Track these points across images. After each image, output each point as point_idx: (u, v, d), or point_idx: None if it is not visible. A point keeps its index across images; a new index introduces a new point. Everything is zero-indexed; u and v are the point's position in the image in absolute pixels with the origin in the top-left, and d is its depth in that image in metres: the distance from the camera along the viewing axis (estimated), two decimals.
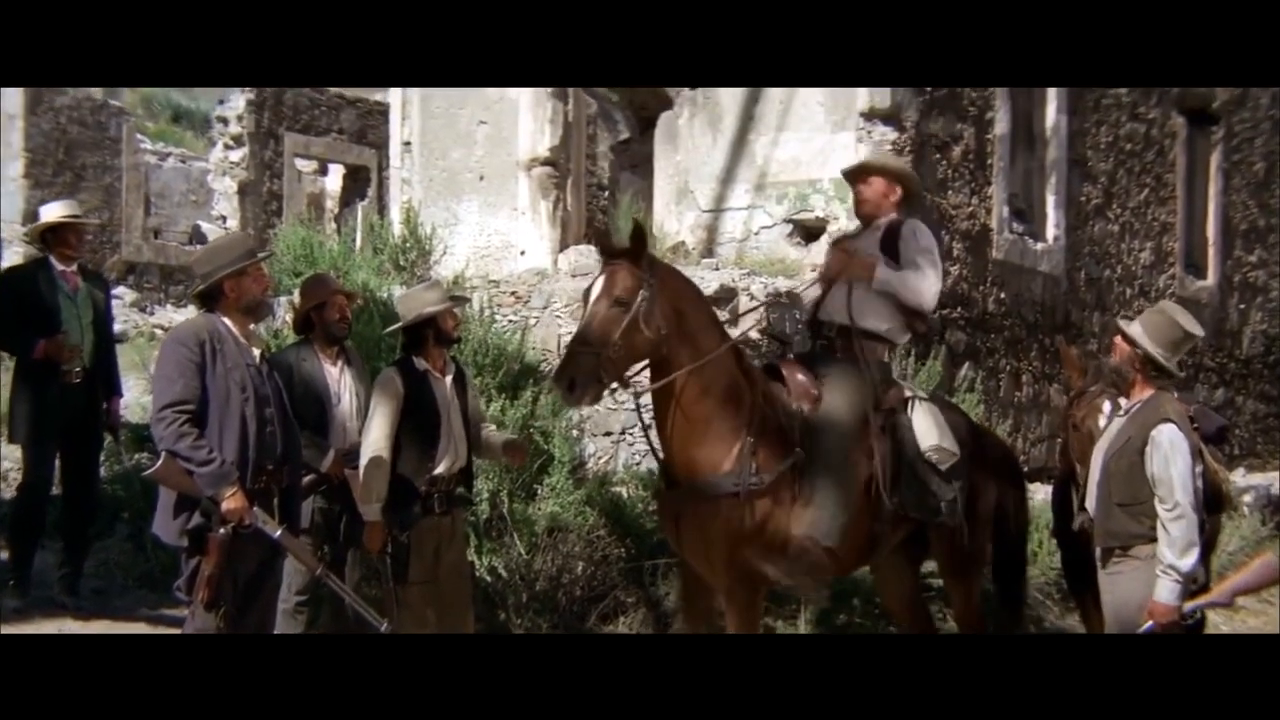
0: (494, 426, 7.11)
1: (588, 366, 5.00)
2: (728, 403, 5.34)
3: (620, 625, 7.57)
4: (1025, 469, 11.54)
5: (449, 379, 5.91)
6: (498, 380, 8.16)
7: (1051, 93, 12.94)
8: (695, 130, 11.75)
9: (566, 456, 8.01)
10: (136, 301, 17.66)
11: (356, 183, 20.52)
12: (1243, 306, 16.20)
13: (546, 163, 12.35)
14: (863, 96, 10.76)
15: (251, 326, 5.25)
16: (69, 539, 7.31)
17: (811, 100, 11.05)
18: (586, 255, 11.20)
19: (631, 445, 9.18)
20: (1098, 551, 5.43)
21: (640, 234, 5.29)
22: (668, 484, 5.56)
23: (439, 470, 5.77)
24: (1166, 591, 5.01)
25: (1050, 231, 13.04)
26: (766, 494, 5.31)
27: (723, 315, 6.73)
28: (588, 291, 5.23)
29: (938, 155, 11.34)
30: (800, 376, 5.71)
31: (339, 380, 6.22)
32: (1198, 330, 5.44)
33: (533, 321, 10.21)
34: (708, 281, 9.38)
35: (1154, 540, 5.09)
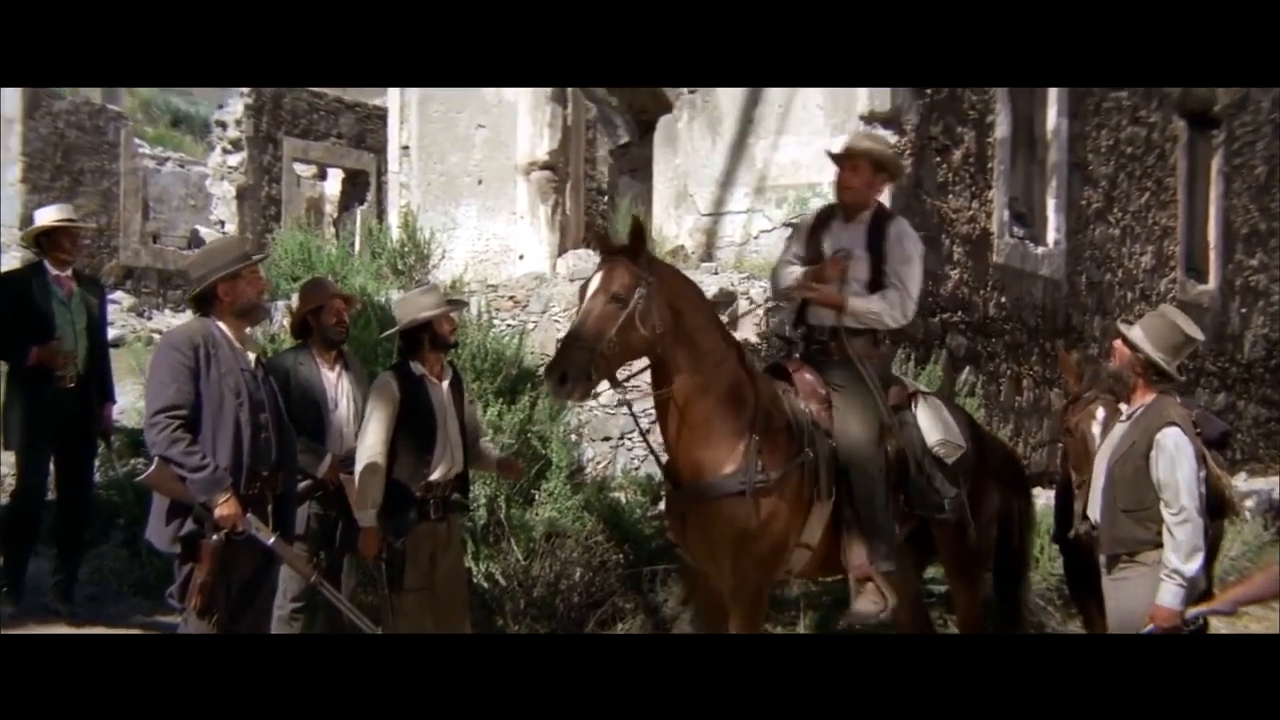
0: (491, 432, 7.09)
1: (580, 362, 4.95)
2: (731, 403, 5.31)
3: (618, 631, 7.52)
4: (1026, 473, 11.56)
5: (445, 384, 5.87)
6: (496, 385, 8.12)
7: (1052, 96, 12.90)
8: (694, 133, 11.71)
9: (564, 462, 7.97)
10: (134, 306, 17.62)
11: (355, 187, 20.49)
12: (1244, 310, 16.16)
13: (545, 167, 12.33)
14: (862, 100, 10.72)
15: (247, 330, 5.20)
16: (63, 545, 7.27)
17: (811, 103, 11.01)
18: (585, 259, 11.16)
19: (630, 450, 9.14)
20: (1102, 558, 5.39)
21: (639, 231, 5.26)
22: (674, 485, 5.51)
23: (435, 476, 5.73)
24: (1169, 595, 4.97)
25: (1051, 235, 12.99)
26: (773, 492, 5.28)
27: (722, 319, 6.68)
28: (584, 287, 5.20)
29: (938, 159, 11.30)
30: (808, 376, 5.69)
31: (336, 385, 6.19)
32: (1198, 334, 5.42)
33: (531, 326, 10.17)
34: (707, 285, 9.30)
35: (1160, 546, 5.06)
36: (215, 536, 4.76)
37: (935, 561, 6.56)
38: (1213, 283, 15.70)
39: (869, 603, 5.42)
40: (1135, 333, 5.31)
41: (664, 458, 5.57)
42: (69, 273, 7.23)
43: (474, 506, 7.18)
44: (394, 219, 13.12)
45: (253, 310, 5.12)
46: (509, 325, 10.04)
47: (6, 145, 17.20)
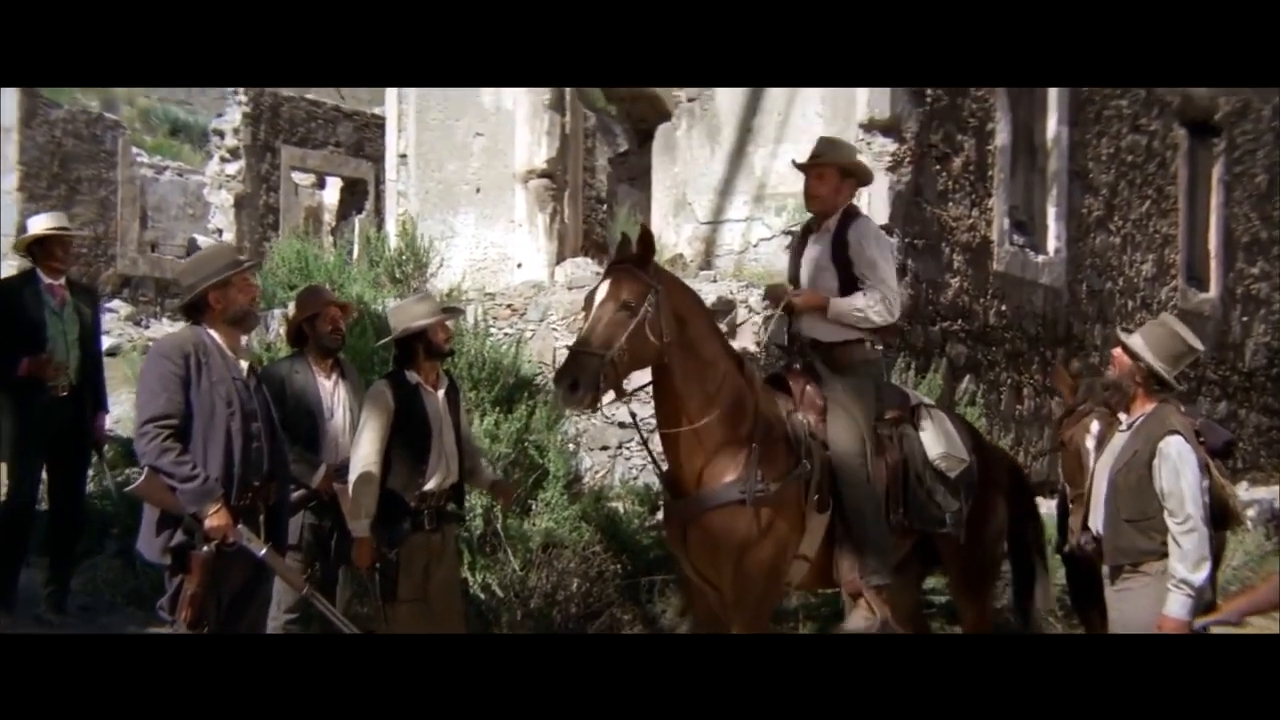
0: (488, 441, 7.03)
1: (591, 369, 4.89)
2: (732, 413, 5.27)
3: None
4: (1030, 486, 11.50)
5: (441, 393, 5.82)
6: (493, 394, 8.07)
7: (1052, 104, 12.86)
8: (693, 142, 11.67)
9: (562, 471, 7.92)
10: (132, 315, 17.59)
11: (354, 196, 20.44)
12: (1245, 319, 16.11)
13: (543, 175, 12.28)
14: (862, 107, 10.69)
15: (239, 338, 5.15)
16: (55, 556, 7.22)
17: (810, 111, 10.97)
18: (583, 268, 11.12)
19: (628, 459, 9.07)
20: (1105, 569, 5.34)
21: (648, 239, 5.23)
22: (673, 494, 5.46)
23: (430, 486, 5.68)
24: (1178, 605, 4.91)
25: (1051, 244, 12.94)
26: (772, 503, 5.25)
27: (721, 328, 6.64)
28: (591, 295, 5.14)
29: (938, 167, 11.25)
30: (807, 387, 5.65)
31: (332, 394, 6.15)
32: (1198, 344, 5.38)
33: (529, 334, 10.11)
34: (706, 294, 9.23)
35: (1165, 556, 5.00)
36: (206, 548, 4.72)
37: (935, 573, 6.50)
38: (1214, 291, 15.65)
39: (860, 619, 5.38)
40: (1136, 341, 5.26)
41: (663, 467, 5.52)
42: (62, 281, 7.18)
43: (470, 516, 7.13)
44: (392, 227, 13.06)
45: (245, 318, 5.06)
46: (506, 334, 9.98)
47: (3, 153, 17.17)
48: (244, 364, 5.02)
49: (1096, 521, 5.39)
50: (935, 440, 5.86)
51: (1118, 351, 5.36)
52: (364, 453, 5.58)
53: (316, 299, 6.25)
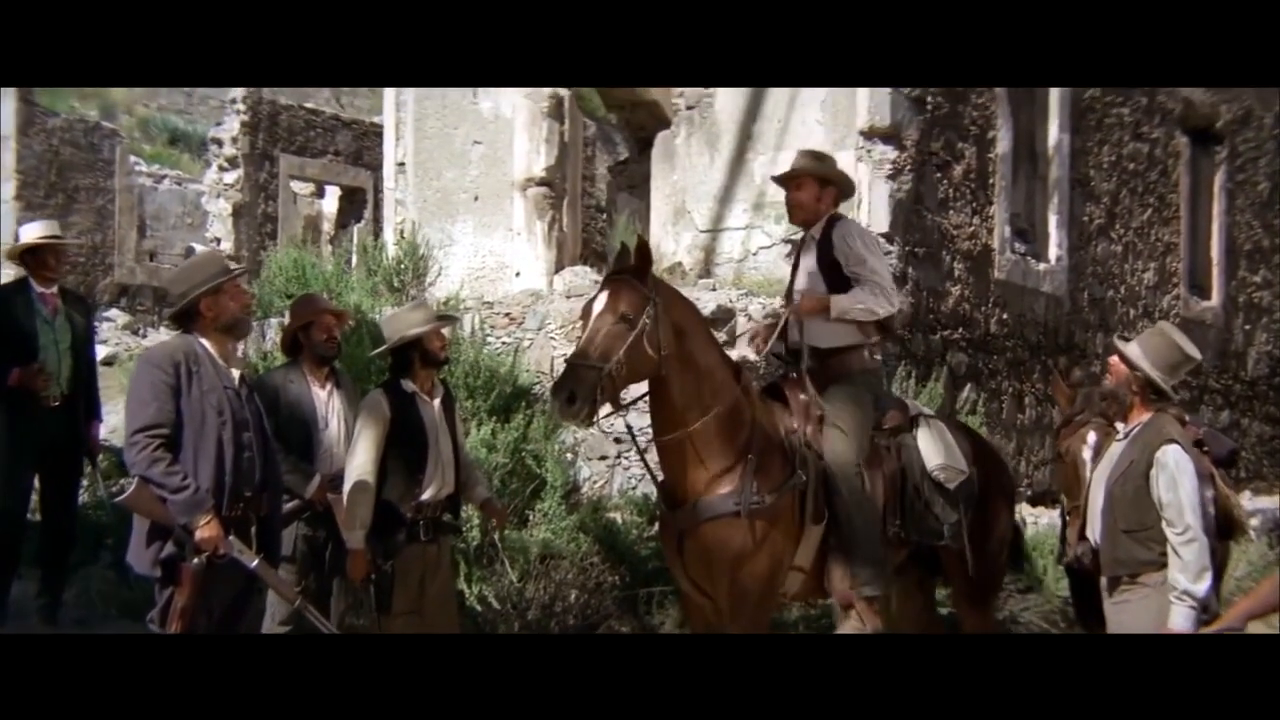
0: (485, 451, 6.96)
1: (589, 382, 4.84)
2: (729, 423, 5.23)
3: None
4: (1029, 493, 11.47)
5: (437, 402, 5.77)
6: (489, 403, 8.00)
7: (1054, 111, 12.82)
8: (693, 150, 11.63)
9: (559, 481, 7.86)
10: (129, 324, 17.53)
11: (353, 204, 20.40)
12: (1247, 327, 16.06)
13: (542, 183, 12.24)
14: (862, 114, 10.65)
15: (231, 346, 5.09)
16: (47, 567, 7.15)
17: (810, 119, 10.93)
18: (582, 276, 11.07)
19: (627, 470, 9.01)
20: (1103, 581, 5.27)
21: (645, 250, 5.19)
22: (669, 506, 5.41)
23: (425, 496, 5.62)
24: (1181, 618, 4.84)
25: (1053, 252, 12.90)
26: (768, 515, 5.20)
27: (720, 336, 6.60)
28: (589, 306, 5.09)
29: (938, 174, 11.21)
30: (802, 396, 5.60)
31: (327, 404, 6.07)
32: (1196, 353, 5.31)
33: (526, 343, 10.05)
34: (705, 302, 9.24)
35: (1164, 567, 4.94)
36: (196, 560, 4.66)
37: (939, 583, 6.44)
38: (1216, 299, 15.61)
39: (850, 630, 5.34)
40: (1133, 350, 5.20)
41: (660, 478, 5.46)
42: (54, 290, 7.12)
43: (467, 527, 7.06)
44: (390, 235, 13.01)
45: (236, 325, 5.01)
46: (504, 342, 9.93)
47: (1, 162, 17.10)
48: (235, 372, 4.96)
49: (1094, 532, 5.34)
50: (934, 451, 5.81)
51: (1114, 360, 5.31)
52: (359, 462, 5.52)
53: (311, 307, 6.19)
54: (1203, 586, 4.86)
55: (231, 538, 4.73)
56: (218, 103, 21.52)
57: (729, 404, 5.24)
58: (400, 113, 13.30)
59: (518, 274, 12.20)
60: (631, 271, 5.11)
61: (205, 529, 4.62)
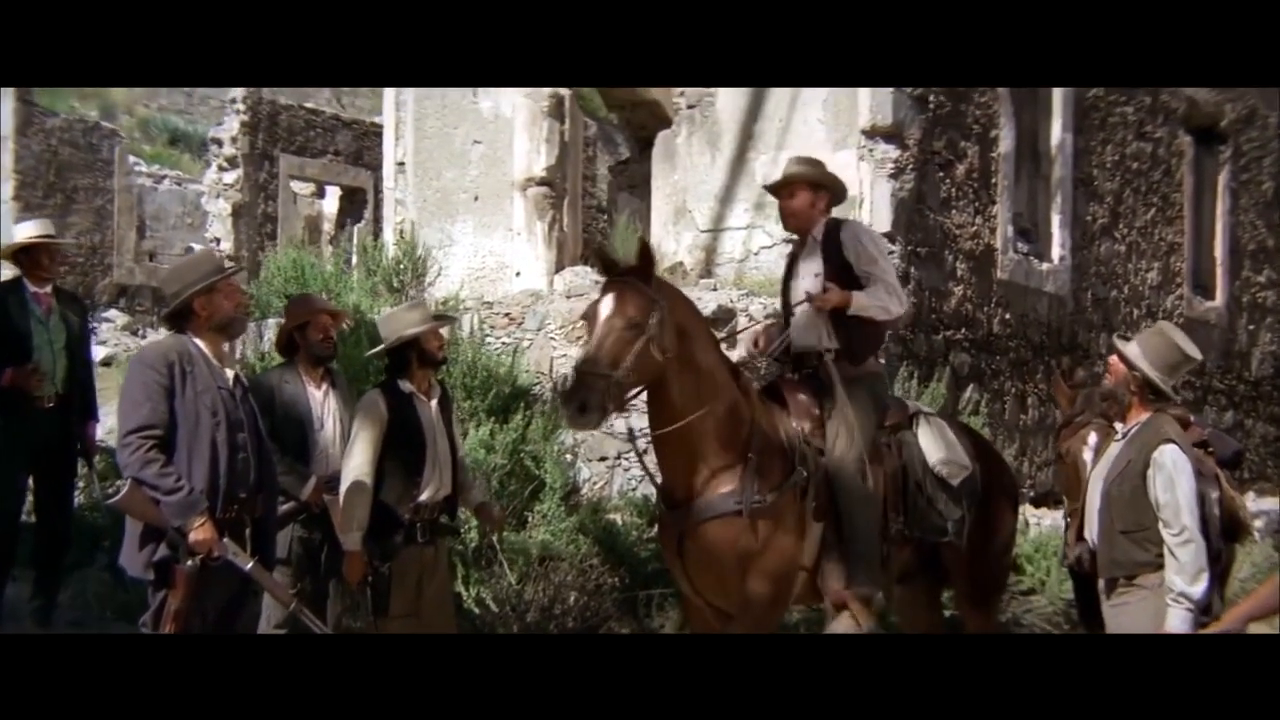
0: (483, 452, 6.91)
1: (599, 389, 4.79)
2: (729, 423, 5.19)
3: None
4: (1031, 494, 11.42)
5: (434, 402, 5.71)
6: (487, 403, 7.96)
7: (1056, 110, 12.78)
8: (693, 149, 11.58)
9: (559, 482, 7.81)
10: (128, 325, 17.49)
11: (353, 204, 20.36)
12: (1251, 327, 16.02)
13: (542, 183, 12.21)
14: (864, 114, 10.61)
15: (225, 346, 5.03)
16: (42, 569, 7.08)
17: (812, 118, 10.89)
18: (582, 276, 11.03)
19: (627, 470, 8.97)
20: (1101, 583, 5.21)
21: (648, 253, 5.14)
22: (669, 506, 5.36)
23: (423, 498, 5.57)
24: (1179, 621, 4.79)
25: (1056, 251, 12.85)
26: (769, 514, 5.16)
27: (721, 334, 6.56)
28: (593, 311, 5.01)
29: (941, 173, 11.16)
30: (801, 395, 5.57)
31: (323, 404, 6.02)
32: (1196, 353, 5.24)
33: (526, 344, 10.01)
34: (706, 302, 9.20)
35: (1161, 568, 4.89)
36: (190, 562, 4.62)
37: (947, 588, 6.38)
38: (1220, 299, 15.57)
39: (844, 628, 5.28)
40: (1132, 349, 5.14)
41: (658, 479, 5.41)
42: (48, 289, 7.07)
43: (465, 529, 7.00)
44: (389, 236, 12.98)
45: (231, 325, 4.96)
46: (504, 342, 9.89)
47: None
48: (230, 372, 4.91)
49: (1092, 533, 5.29)
50: (935, 446, 5.78)
51: (1114, 360, 5.25)
52: (356, 463, 5.47)
53: (307, 306, 6.14)
54: (1199, 588, 4.80)
55: (226, 540, 4.68)
56: (218, 103, 21.48)
57: (728, 403, 5.20)
58: (400, 112, 13.28)
59: (518, 274, 12.18)
60: (635, 273, 5.06)
61: (199, 531, 4.58)
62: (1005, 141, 11.99)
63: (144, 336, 16.98)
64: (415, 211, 12.99)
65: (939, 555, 5.93)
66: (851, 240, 5.70)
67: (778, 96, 11.04)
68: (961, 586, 6.13)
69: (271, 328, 9.46)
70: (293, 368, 6.05)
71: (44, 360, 6.90)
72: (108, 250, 18.59)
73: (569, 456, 8.41)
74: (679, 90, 11.78)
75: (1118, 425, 5.32)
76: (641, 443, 5.69)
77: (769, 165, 10.97)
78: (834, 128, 10.79)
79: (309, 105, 20.13)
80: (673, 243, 11.59)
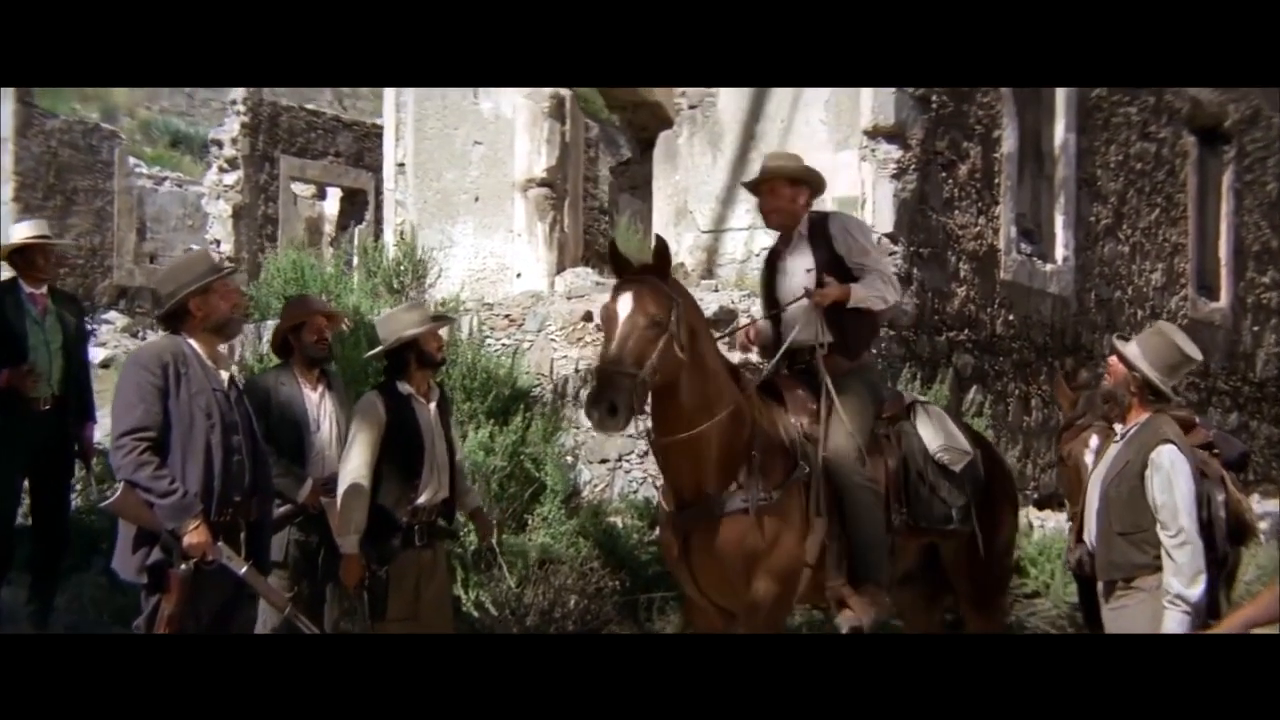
0: (483, 454, 6.86)
1: (627, 390, 4.71)
2: (732, 421, 5.13)
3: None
4: (1035, 496, 11.36)
5: (433, 404, 5.67)
6: (487, 405, 7.90)
7: (1060, 111, 12.72)
8: (695, 149, 11.52)
9: (559, 485, 7.76)
10: (128, 327, 17.45)
11: (354, 206, 20.32)
12: (1256, 329, 15.96)
13: (543, 184, 12.18)
14: (866, 114, 10.55)
15: (221, 348, 4.98)
16: (38, 572, 7.04)
17: (814, 118, 10.83)
18: (583, 278, 10.99)
19: (628, 473, 8.92)
20: (1100, 585, 5.16)
21: (665, 251, 5.09)
22: (675, 507, 5.30)
23: (421, 500, 5.53)
24: (1175, 624, 4.74)
25: (1059, 252, 12.79)
26: (775, 512, 5.13)
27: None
28: (612, 309, 4.93)
29: (943, 174, 11.10)
30: (799, 391, 5.54)
31: (319, 406, 5.97)
32: (1197, 354, 5.19)
33: (526, 345, 9.96)
34: (708, 303, 9.15)
35: (1159, 570, 4.83)
36: (184, 566, 4.56)
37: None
38: (1224, 300, 15.51)
39: (846, 621, 5.26)
40: (1131, 350, 5.09)
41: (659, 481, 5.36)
42: (44, 290, 7.03)
43: (464, 532, 6.95)
44: (389, 237, 12.95)
45: (226, 326, 4.91)
46: (504, 344, 9.85)
47: None
48: (225, 374, 4.85)
49: (1091, 536, 5.23)
50: (934, 434, 5.75)
51: (1113, 360, 5.20)
52: (354, 465, 5.42)
53: (302, 308, 6.10)
54: (1196, 591, 4.75)
55: (220, 543, 4.62)
56: (219, 105, 21.44)
57: (733, 404, 5.16)
58: (400, 113, 13.25)
59: (518, 275, 12.14)
60: (651, 271, 5.02)
61: (193, 534, 4.52)
62: (1008, 142, 11.93)
63: (144, 338, 16.95)
64: (416, 213, 12.96)
65: (939, 557, 5.87)
66: (841, 233, 5.66)
67: (779, 97, 10.99)
68: (963, 588, 6.09)
69: (271, 330, 9.42)
70: (288, 369, 6.00)
71: (40, 361, 6.86)
72: (108, 252, 18.56)
73: (569, 459, 8.37)
74: (680, 91, 11.73)
75: (1117, 427, 5.26)
76: (643, 444, 5.65)
77: None
78: (836, 128, 10.74)
79: (310, 107, 20.10)
80: (674, 243, 11.49)
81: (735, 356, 6.12)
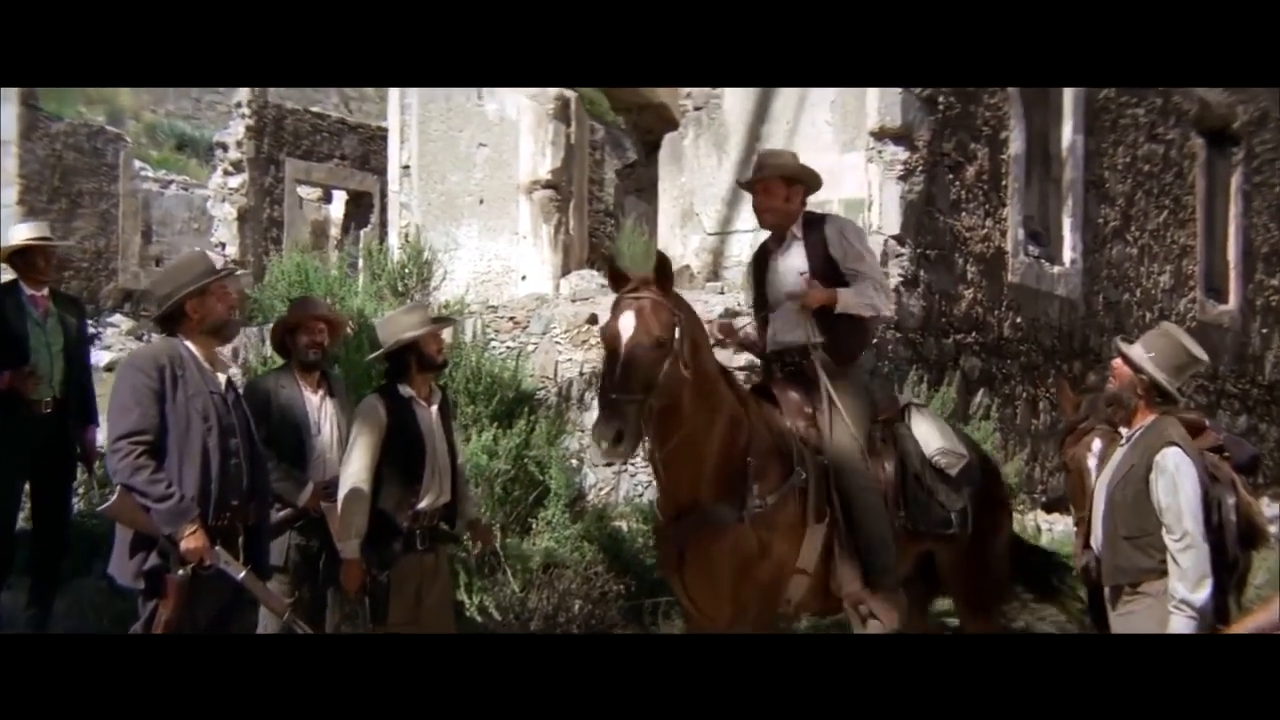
0: (486, 458, 6.81)
1: (634, 417, 4.57)
2: (729, 429, 5.04)
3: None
4: (1043, 499, 11.30)
5: (434, 407, 5.61)
6: (491, 409, 7.85)
7: (1067, 112, 12.68)
8: (700, 151, 11.48)
9: (564, 488, 7.69)
10: (133, 330, 17.44)
11: (360, 209, 20.30)
12: (1265, 331, 15.91)
13: (548, 186, 12.15)
14: (872, 115, 10.51)
15: (222, 350, 4.92)
16: (37, 577, 6.99)
17: (820, 120, 10.79)
18: (588, 280, 10.95)
19: (634, 476, 8.86)
20: (1106, 591, 5.10)
21: (666, 265, 4.92)
22: (671, 516, 5.19)
23: (422, 505, 5.46)
24: (1181, 629, 4.68)
25: (1067, 254, 12.75)
26: (771, 518, 5.03)
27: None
28: (614, 328, 4.77)
29: (951, 176, 11.05)
30: (793, 394, 5.45)
31: (319, 409, 5.92)
32: (1203, 354, 5.12)
33: (531, 348, 9.91)
34: (713, 305, 9.11)
35: (1165, 574, 4.77)
36: (181, 571, 4.50)
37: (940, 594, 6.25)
38: (1233, 303, 15.47)
39: (871, 630, 5.16)
40: (1137, 351, 5.01)
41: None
42: (45, 292, 6.99)
43: (467, 536, 6.89)
44: (394, 239, 12.91)
45: (223, 328, 4.84)
46: (508, 347, 9.80)
47: (3, 167, 17.03)
48: (222, 376, 4.79)
49: (1097, 541, 5.17)
50: (931, 437, 5.66)
51: (1118, 363, 5.12)
52: (354, 469, 5.37)
53: (301, 310, 6.05)
54: (1201, 595, 4.68)
55: (218, 548, 4.55)
56: (225, 108, 21.46)
57: (730, 411, 5.06)
58: (405, 115, 13.23)
59: (523, 278, 12.11)
60: (653, 286, 4.86)
61: (190, 539, 4.45)
62: (1015, 143, 11.89)
63: (149, 341, 16.93)
64: (420, 215, 12.93)
65: (934, 561, 5.81)
66: (837, 236, 5.55)
67: (785, 98, 10.94)
68: (960, 592, 6.02)
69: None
70: (289, 371, 5.96)
71: (41, 363, 6.82)
72: (113, 255, 18.59)
73: (574, 462, 8.32)
74: (685, 92, 11.70)
75: (1123, 430, 5.20)
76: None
77: None
78: (842, 129, 10.70)
79: (315, 109, 20.09)
80: (680, 246, 11.50)
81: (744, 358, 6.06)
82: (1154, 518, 4.81)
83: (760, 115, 11.07)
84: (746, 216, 11.08)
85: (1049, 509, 11.08)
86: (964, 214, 11.22)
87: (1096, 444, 5.91)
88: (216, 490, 4.60)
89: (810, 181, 5.70)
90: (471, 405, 7.72)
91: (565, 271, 11.90)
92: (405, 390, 5.54)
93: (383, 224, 17.84)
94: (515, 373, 8.46)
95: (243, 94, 18.21)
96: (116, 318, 17.46)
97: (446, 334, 6.99)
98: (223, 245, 17.79)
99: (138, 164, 20.23)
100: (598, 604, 7.43)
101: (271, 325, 7.68)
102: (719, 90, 11.32)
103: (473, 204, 12.66)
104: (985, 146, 11.53)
